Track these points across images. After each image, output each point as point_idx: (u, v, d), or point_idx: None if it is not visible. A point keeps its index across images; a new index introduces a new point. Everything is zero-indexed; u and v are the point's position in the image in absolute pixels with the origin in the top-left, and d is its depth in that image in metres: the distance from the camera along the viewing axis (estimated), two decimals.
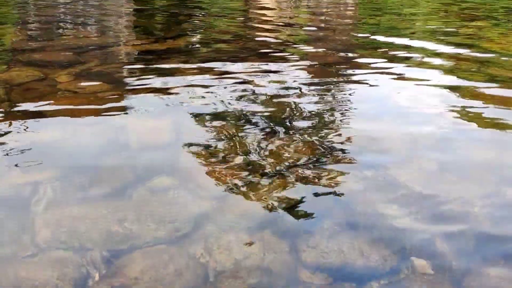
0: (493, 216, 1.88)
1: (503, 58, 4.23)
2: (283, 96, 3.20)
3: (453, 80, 3.60)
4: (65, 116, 2.79)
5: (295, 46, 5.02)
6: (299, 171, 2.17)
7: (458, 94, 3.27)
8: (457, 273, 1.57)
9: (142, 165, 2.23)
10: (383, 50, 4.66)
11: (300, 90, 3.33)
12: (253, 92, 3.26)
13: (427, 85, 3.48)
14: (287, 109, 2.97)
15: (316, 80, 3.65)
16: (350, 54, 4.60)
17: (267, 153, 2.35)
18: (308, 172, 2.16)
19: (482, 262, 1.62)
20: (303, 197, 1.97)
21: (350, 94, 3.33)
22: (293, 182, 2.08)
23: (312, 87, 3.44)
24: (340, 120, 2.83)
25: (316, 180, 2.10)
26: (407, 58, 4.29)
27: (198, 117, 2.82)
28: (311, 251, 1.65)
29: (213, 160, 2.28)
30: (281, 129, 2.62)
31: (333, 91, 3.41)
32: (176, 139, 2.57)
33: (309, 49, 4.89)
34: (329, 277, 1.56)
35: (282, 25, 6.56)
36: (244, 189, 2.03)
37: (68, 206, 1.89)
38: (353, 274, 1.57)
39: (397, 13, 7.63)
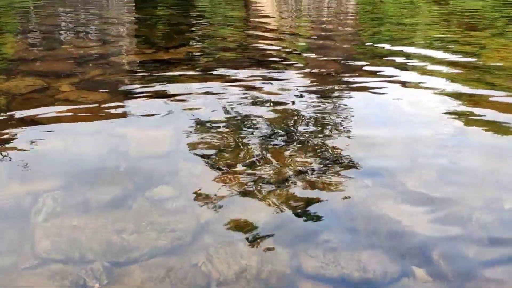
0: (494, 222, 1.87)
1: (503, 68, 4.23)
2: (285, 104, 3.21)
3: (453, 88, 3.60)
4: (66, 126, 2.79)
5: (296, 54, 5.03)
6: (301, 179, 2.17)
7: (459, 102, 3.27)
8: (457, 281, 1.57)
9: (142, 174, 2.23)
10: (384, 58, 4.67)
11: (302, 98, 3.34)
12: (255, 100, 3.27)
13: (428, 92, 3.49)
14: (289, 116, 2.97)
15: (318, 88, 3.66)
16: (351, 62, 4.61)
17: (268, 161, 2.35)
18: (310, 181, 2.16)
19: (482, 269, 1.61)
20: (304, 207, 1.97)
21: (352, 102, 3.34)
22: (294, 191, 2.07)
23: (314, 95, 3.45)
24: (343, 127, 2.84)
25: (318, 189, 2.10)
26: (408, 66, 4.29)
27: (199, 125, 2.82)
28: (312, 261, 1.64)
29: (213, 169, 2.28)
30: (283, 137, 2.62)
31: (335, 98, 3.42)
32: (176, 148, 2.57)
33: (311, 57, 4.90)
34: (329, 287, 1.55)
35: (283, 34, 6.58)
36: (244, 198, 2.02)
37: (68, 216, 1.88)
38: (354, 285, 1.56)
39: (398, 22, 7.65)
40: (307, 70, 4.22)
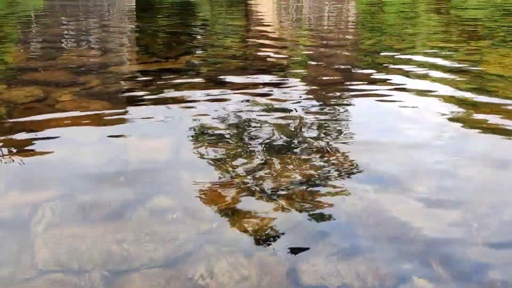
0: (495, 228, 1.86)
1: (504, 76, 4.23)
2: (288, 111, 3.21)
3: (454, 95, 3.60)
4: (67, 135, 2.79)
5: (298, 62, 5.04)
6: (301, 191, 2.15)
7: (460, 109, 3.27)
8: (459, 286, 1.55)
9: (143, 183, 2.22)
10: (384, 66, 4.67)
11: (305, 105, 3.35)
12: (257, 108, 3.26)
13: (429, 99, 3.50)
14: (290, 126, 2.96)
15: (320, 95, 3.66)
16: (353, 70, 4.62)
17: (271, 170, 2.34)
18: (309, 192, 2.14)
19: (485, 274, 1.60)
20: (307, 215, 1.95)
21: (354, 109, 3.35)
22: (294, 202, 2.06)
23: (316, 102, 3.46)
24: (346, 134, 2.85)
25: (317, 200, 2.08)
26: (410, 74, 4.30)
27: (201, 133, 2.81)
28: (310, 273, 1.63)
29: (212, 179, 2.27)
30: (283, 148, 2.61)
31: (337, 106, 3.42)
32: (177, 156, 2.57)
33: (312, 65, 4.91)
34: None
35: (284, 42, 6.60)
36: (244, 209, 2.01)
37: (68, 225, 1.87)
38: None
39: (398, 31, 7.67)
40: (309, 78, 4.23)
